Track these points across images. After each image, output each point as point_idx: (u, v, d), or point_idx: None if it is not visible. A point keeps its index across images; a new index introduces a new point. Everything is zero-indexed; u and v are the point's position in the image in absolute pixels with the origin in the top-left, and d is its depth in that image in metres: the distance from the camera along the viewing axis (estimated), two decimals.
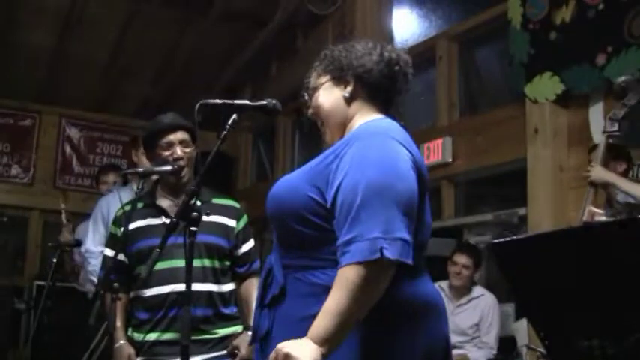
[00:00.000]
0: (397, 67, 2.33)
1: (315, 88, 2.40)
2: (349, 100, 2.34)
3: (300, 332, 2.03)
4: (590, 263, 1.87)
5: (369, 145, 2.11)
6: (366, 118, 2.30)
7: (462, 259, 5.49)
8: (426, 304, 2.19)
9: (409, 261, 2.00)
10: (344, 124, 2.34)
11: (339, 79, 2.35)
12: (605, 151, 4.10)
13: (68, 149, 10.01)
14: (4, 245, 8.51)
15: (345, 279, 1.96)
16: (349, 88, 2.33)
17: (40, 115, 9.86)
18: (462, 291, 5.53)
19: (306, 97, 2.45)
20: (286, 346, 1.99)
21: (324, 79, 2.38)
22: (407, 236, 2.00)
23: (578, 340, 1.90)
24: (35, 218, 9.72)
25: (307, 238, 2.16)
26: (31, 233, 9.67)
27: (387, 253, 1.94)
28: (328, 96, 2.36)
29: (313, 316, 2.02)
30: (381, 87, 2.34)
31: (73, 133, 10.05)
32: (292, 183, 2.24)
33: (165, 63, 9.35)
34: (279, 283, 2.20)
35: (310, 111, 2.43)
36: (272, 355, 2.02)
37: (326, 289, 2.02)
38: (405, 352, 2.11)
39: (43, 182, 9.79)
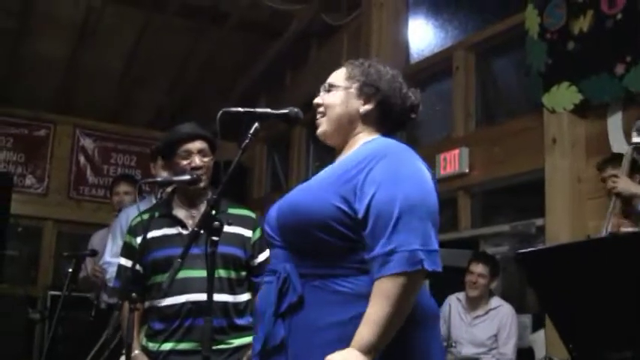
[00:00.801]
0: (413, 115, 2.44)
1: (338, 87, 2.42)
2: (362, 117, 2.39)
3: (318, 341, 2.09)
4: (620, 273, 1.83)
5: (400, 160, 2.20)
6: (370, 137, 2.37)
7: (477, 268, 5.44)
8: (432, 314, 2.28)
9: (440, 269, 2.08)
10: (346, 134, 2.40)
11: (363, 93, 2.38)
12: (630, 162, 4.11)
13: (82, 159, 10.04)
14: (18, 255, 8.51)
15: (388, 289, 2.03)
16: (368, 107, 2.38)
17: (55, 126, 9.90)
18: (478, 302, 5.47)
19: (324, 88, 2.46)
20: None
21: (352, 84, 2.40)
22: (437, 247, 2.10)
23: (608, 351, 1.87)
24: (49, 228, 9.76)
25: (330, 246, 2.17)
26: (44, 243, 9.69)
27: (426, 265, 2.04)
28: (346, 102, 2.39)
29: (335, 324, 2.09)
30: (394, 120, 2.42)
31: (87, 143, 10.08)
32: (315, 192, 2.25)
33: (180, 73, 9.38)
34: (298, 292, 2.20)
35: (319, 101, 2.46)
36: None
37: (355, 297, 2.10)
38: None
39: (57, 192, 9.83)
